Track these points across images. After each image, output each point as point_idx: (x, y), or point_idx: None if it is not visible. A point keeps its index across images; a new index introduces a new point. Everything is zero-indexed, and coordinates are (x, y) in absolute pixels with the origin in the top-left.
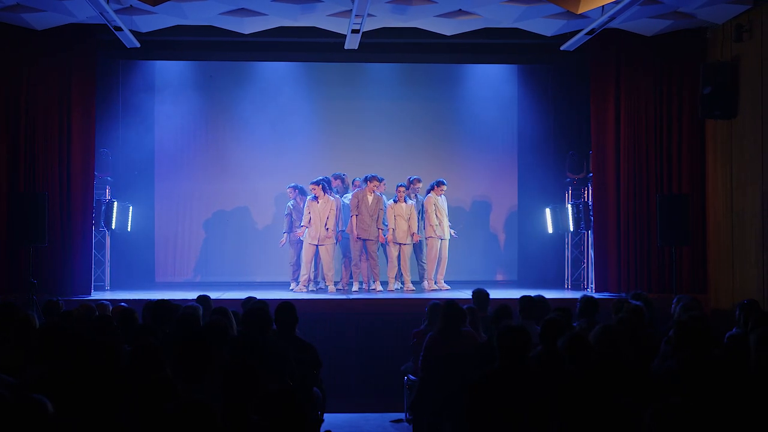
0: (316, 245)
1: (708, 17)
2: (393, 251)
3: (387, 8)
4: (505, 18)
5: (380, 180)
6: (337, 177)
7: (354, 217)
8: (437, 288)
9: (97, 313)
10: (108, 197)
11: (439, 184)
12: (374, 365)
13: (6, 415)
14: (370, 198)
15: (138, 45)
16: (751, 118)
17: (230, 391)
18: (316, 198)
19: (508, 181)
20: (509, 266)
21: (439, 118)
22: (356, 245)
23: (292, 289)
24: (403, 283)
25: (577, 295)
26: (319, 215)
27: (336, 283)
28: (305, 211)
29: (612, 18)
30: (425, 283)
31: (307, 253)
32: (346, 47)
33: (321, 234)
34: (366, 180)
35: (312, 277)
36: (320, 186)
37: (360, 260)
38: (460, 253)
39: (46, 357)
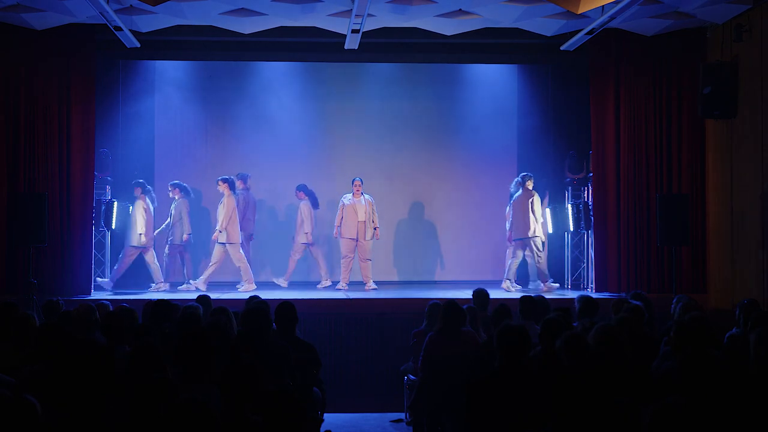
0: (307, 244)
1: (708, 17)
2: None
3: (387, 8)
4: (505, 18)
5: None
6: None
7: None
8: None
9: (97, 313)
10: (108, 197)
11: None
12: (374, 365)
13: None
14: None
15: (138, 45)
16: (751, 118)
17: (230, 391)
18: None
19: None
20: None
21: (439, 118)
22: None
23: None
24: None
25: (577, 295)
26: (310, 216)
27: (336, 283)
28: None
29: (612, 18)
30: (542, 284)
31: (297, 252)
32: (346, 47)
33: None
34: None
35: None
36: (302, 192)
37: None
38: (460, 253)
39: (41, 356)
